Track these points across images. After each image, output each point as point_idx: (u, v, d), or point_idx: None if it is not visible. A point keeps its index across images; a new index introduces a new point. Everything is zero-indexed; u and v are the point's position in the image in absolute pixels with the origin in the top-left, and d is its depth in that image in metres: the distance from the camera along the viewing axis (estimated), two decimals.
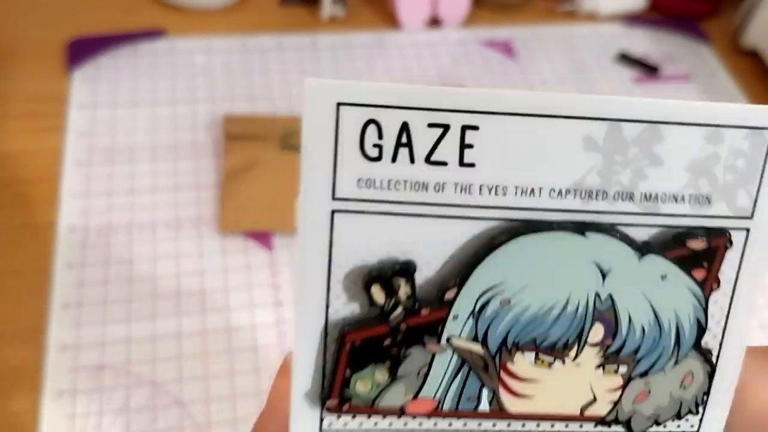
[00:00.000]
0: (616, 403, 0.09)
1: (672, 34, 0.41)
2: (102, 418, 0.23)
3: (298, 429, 0.08)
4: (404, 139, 0.08)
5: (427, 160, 0.08)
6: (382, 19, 0.39)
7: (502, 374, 0.08)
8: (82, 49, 0.34)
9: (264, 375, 0.25)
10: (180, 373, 0.25)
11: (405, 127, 0.08)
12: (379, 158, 0.08)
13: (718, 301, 0.08)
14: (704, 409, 0.09)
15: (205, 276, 0.27)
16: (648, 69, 0.38)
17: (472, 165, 0.08)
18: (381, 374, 0.08)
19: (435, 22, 0.39)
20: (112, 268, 0.27)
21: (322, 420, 0.08)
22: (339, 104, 0.07)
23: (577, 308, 0.08)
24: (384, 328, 0.08)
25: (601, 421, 0.09)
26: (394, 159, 0.08)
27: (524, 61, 0.38)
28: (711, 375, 0.09)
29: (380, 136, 0.08)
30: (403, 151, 0.08)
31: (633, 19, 0.41)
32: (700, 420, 0.09)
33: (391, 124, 0.08)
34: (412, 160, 0.08)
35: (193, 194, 0.30)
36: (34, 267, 0.27)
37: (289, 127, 0.32)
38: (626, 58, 0.39)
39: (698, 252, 0.08)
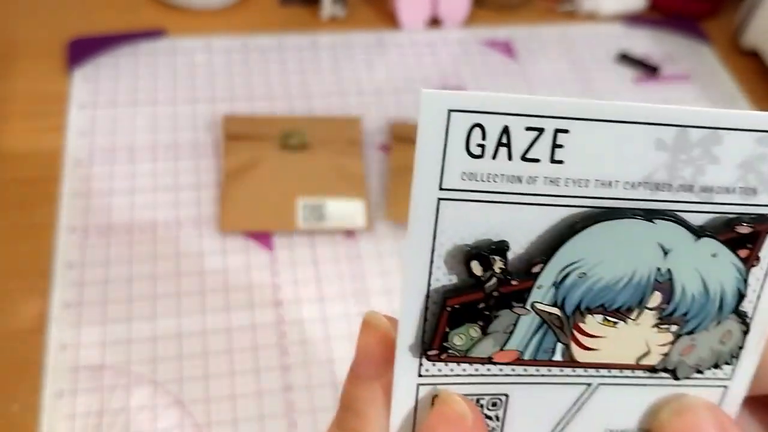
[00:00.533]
0: (665, 355, 0.11)
1: (672, 34, 0.41)
2: (102, 418, 0.23)
3: (402, 373, 0.11)
4: (504, 140, 0.10)
5: (523, 157, 0.10)
6: (382, 19, 0.39)
7: (574, 332, 0.11)
8: (83, 49, 0.34)
9: (264, 375, 0.25)
10: (180, 373, 0.25)
11: (505, 130, 0.10)
12: (481, 156, 0.10)
13: (755, 274, 0.11)
14: (738, 360, 0.12)
15: (205, 276, 0.27)
16: (648, 69, 0.38)
17: (560, 162, 0.10)
18: (474, 331, 0.11)
19: (435, 22, 0.39)
20: (113, 268, 0.27)
21: (421, 365, 0.11)
22: (450, 110, 0.09)
23: (641, 280, 0.10)
24: (479, 294, 0.10)
25: (652, 369, 0.11)
26: (494, 156, 0.10)
27: (524, 61, 0.38)
28: (745, 333, 0.11)
29: (483, 138, 0.10)
30: (503, 150, 0.10)
31: (633, 19, 0.41)
32: (733, 369, 0.12)
33: (493, 127, 0.09)
34: (509, 158, 0.10)
35: (193, 194, 0.30)
36: (34, 266, 0.27)
37: (289, 128, 0.32)
38: (626, 58, 0.39)
39: (744, 235, 0.10)
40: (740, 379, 0.12)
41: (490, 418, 0.11)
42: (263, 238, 0.29)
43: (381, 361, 0.11)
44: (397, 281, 0.28)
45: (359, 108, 0.34)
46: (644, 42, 0.40)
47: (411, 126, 0.33)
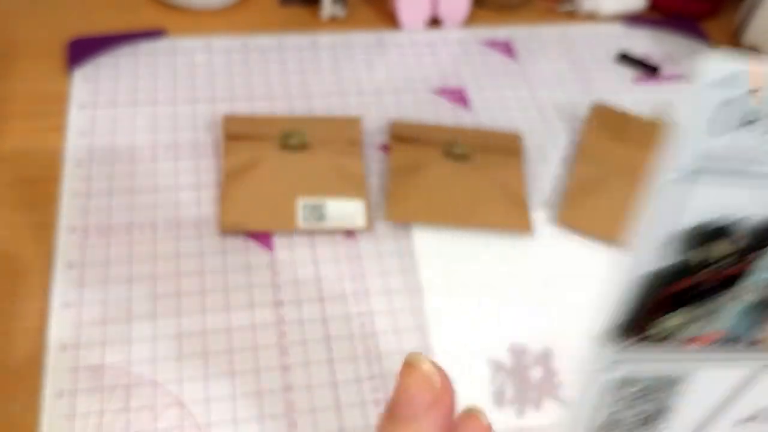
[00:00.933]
0: None
1: (672, 34, 0.41)
2: (102, 418, 0.23)
3: (595, 357, 0.11)
4: (748, 122, 0.09)
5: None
6: (382, 19, 0.39)
7: None
8: (83, 49, 0.34)
9: (264, 375, 0.25)
10: (180, 373, 0.25)
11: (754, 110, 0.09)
12: (724, 134, 0.09)
13: None
14: None
15: (205, 276, 0.27)
16: (648, 69, 0.38)
17: None
18: (686, 313, 0.10)
19: (435, 22, 0.39)
20: (113, 268, 0.27)
21: (623, 346, 0.11)
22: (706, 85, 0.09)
23: None
24: (699, 277, 0.10)
25: None
26: (737, 140, 0.09)
27: (524, 61, 0.38)
28: None
29: (731, 122, 0.09)
30: (745, 132, 0.09)
31: (633, 19, 0.41)
32: None
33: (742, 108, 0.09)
34: (751, 138, 0.09)
35: (193, 194, 0.30)
36: (34, 266, 0.27)
37: (289, 128, 0.32)
38: (626, 58, 0.39)
39: None
40: None
41: (661, 394, 0.11)
42: (263, 238, 0.29)
43: (422, 404, 0.12)
44: (396, 281, 0.28)
45: (359, 108, 0.34)
46: (644, 42, 0.40)
47: (411, 126, 0.33)
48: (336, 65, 0.36)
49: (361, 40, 0.37)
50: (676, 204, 0.10)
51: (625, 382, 0.11)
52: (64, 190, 0.29)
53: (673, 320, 0.10)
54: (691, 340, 0.11)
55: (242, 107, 0.33)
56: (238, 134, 0.31)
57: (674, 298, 0.10)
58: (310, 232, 0.29)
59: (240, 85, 0.34)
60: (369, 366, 0.25)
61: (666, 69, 0.39)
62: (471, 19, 0.40)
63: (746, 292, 0.10)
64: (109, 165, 0.30)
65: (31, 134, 0.31)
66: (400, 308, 0.27)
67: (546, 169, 0.33)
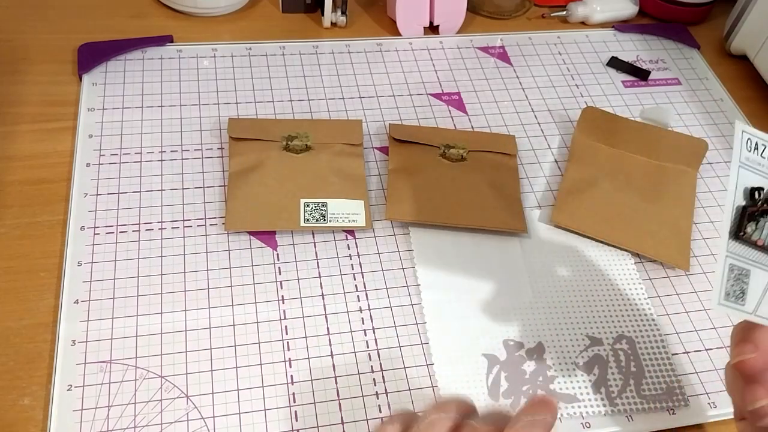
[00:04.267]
0: None
1: (662, 40, 0.42)
2: (110, 412, 0.24)
3: (722, 249, 0.20)
4: None
5: None
6: (381, 27, 0.40)
7: None
8: (92, 54, 0.35)
9: (267, 369, 0.26)
10: (186, 367, 0.25)
11: None
12: None
13: None
14: None
15: (211, 273, 0.28)
16: (639, 73, 0.40)
17: None
18: (753, 225, 0.20)
19: (432, 29, 0.40)
20: (120, 266, 0.28)
21: (729, 244, 0.20)
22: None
23: None
24: (756, 208, 0.20)
25: None
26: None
27: (518, 66, 0.39)
28: None
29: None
30: None
31: (624, 24, 0.42)
32: None
33: None
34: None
35: (199, 194, 0.31)
36: (45, 264, 0.28)
37: (292, 130, 0.32)
38: (617, 63, 0.40)
39: None
40: None
41: (744, 284, 0.20)
42: (267, 236, 0.30)
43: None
44: (396, 278, 0.29)
45: (360, 111, 0.35)
46: (634, 47, 0.41)
47: (409, 128, 0.34)
48: (337, 70, 0.37)
49: (362, 47, 0.38)
50: (739, 179, 0.20)
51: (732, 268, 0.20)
52: (74, 190, 0.30)
53: (750, 228, 0.20)
54: (756, 242, 0.20)
55: (246, 110, 0.34)
56: (243, 136, 0.32)
57: (750, 217, 0.20)
58: (313, 231, 0.30)
59: (244, 89, 0.35)
60: (368, 360, 0.26)
61: (656, 73, 0.40)
62: (467, 27, 0.41)
63: None
64: (117, 166, 0.31)
65: (42, 136, 0.32)
66: (399, 304, 0.28)
67: (539, 170, 0.34)
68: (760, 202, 0.20)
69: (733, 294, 0.20)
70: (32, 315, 0.26)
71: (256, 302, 0.27)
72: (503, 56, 0.39)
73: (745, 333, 0.20)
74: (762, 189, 0.20)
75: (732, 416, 0.22)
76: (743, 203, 0.20)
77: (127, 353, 0.25)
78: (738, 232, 0.20)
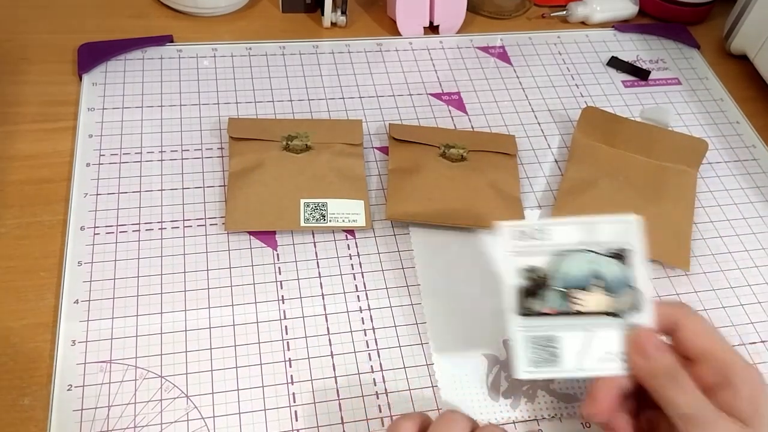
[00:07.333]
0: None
1: (662, 39, 0.42)
2: (110, 412, 0.24)
3: (512, 325, 0.22)
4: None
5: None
6: (381, 27, 0.40)
7: (570, 297, 0.23)
8: (93, 54, 0.35)
9: (267, 369, 0.26)
10: (186, 367, 0.25)
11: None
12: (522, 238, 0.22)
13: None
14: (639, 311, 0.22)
15: (211, 274, 0.28)
16: (639, 73, 0.40)
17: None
18: (538, 298, 0.23)
19: (432, 29, 0.40)
20: (120, 266, 0.28)
21: (519, 320, 0.22)
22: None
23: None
24: (536, 286, 0.23)
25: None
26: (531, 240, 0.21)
27: (518, 66, 0.39)
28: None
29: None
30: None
31: (624, 24, 0.42)
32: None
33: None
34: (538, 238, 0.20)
35: (198, 194, 0.31)
36: (45, 264, 0.28)
37: (292, 130, 0.33)
38: (617, 63, 0.40)
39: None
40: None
41: (553, 348, 0.22)
42: (267, 236, 0.30)
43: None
44: (396, 278, 0.29)
45: (360, 111, 0.35)
46: (634, 47, 0.41)
47: (409, 128, 0.34)
48: (337, 70, 0.37)
49: (362, 47, 0.38)
50: (511, 265, 0.22)
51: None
52: (74, 190, 0.30)
53: (534, 304, 0.22)
54: (545, 312, 0.22)
55: (246, 110, 0.34)
56: (243, 136, 0.32)
57: (529, 293, 0.22)
58: (312, 231, 0.30)
59: (244, 89, 0.35)
60: (368, 360, 0.26)
61: (656, 73, 0.40)
62: (467, 27, 0.41)
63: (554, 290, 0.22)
64: (117, 166, 0.31)
65: (42, 136, 0.32)
66: (399, 304, 0.28)
67: (539, 170, 0.34)
68: (535, 280, 0.22)
69: (542, 359, 0.22)
70: (32, 315, 0.26)
71: (256, 302, 0.27)
72: (503, 56, 0.39)
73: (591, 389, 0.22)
74: (535, 267, 0.22)
75: None
76: (521, 284, 0.22)
77: (127, 353, 0.25)
78: (523, 311, 0.22)
